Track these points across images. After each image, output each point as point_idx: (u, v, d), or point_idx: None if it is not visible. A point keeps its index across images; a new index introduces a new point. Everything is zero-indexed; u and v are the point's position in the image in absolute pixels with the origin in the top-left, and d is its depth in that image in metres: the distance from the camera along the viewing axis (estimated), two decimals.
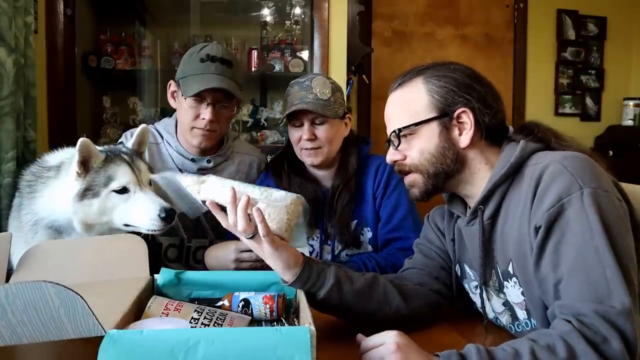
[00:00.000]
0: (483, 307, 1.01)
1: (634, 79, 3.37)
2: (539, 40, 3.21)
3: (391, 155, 1.01)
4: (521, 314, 0.93)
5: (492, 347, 0.75)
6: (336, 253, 1.41)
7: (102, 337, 0.61)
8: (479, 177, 0.96)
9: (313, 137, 1.35)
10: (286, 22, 2.71)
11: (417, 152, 0.97)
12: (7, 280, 0.94)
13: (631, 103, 3.24)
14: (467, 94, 0.95)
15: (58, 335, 0.64)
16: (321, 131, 1.36)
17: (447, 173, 0.96)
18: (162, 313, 0.83)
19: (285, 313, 0.91)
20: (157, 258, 1.43)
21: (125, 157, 1.15)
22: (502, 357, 0.72)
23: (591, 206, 0.78)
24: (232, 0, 2.80)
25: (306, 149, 1.37)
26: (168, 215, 1.10)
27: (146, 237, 1.05)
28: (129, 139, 1.47)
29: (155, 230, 1.11)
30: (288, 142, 1.46)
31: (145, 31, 2.67)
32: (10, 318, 0.62)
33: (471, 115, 0.94)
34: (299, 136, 1.37)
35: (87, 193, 1.10)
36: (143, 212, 1.11)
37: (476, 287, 1.01)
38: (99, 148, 1.15)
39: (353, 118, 2.41)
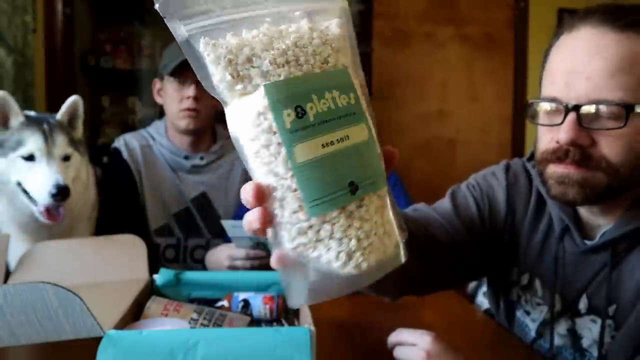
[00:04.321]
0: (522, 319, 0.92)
1: None
2: (540, 39, 3.21)
3: (574, 133, 0.69)
4: (593, 352, 0.80)
5: None
6: None
7: (101, 338, 0.61)
8: (627, 200, 0.75)
9: None
10: None
11: (625, 146, 0.68)
12: (5, 281, 0.93)
13: None
14: None
15: (57, 336, 0.64)
16: None
17: (631, 186, 0.72)
18: (162, 314, 0.82)
19: (285, 313, 0.90)
20: (155, 259, 1.44)
21: (45, 125, 1.12)
22: None
23: None
24: None
25: None
26: (58, 192, 1.06)
27: (144, 238, 1.05)
28: (122, 144, 1.50)
29: (47, 207, 1.08)
30: None
31: (144, 30, 2.67)
32: (9, 319, 0.62)
33: None
34: None
35: None
36: (38, 184, 1.08)
37: (538, 303, 0.88)
38: (30, 113, 1.15)
39: None
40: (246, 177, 1.67)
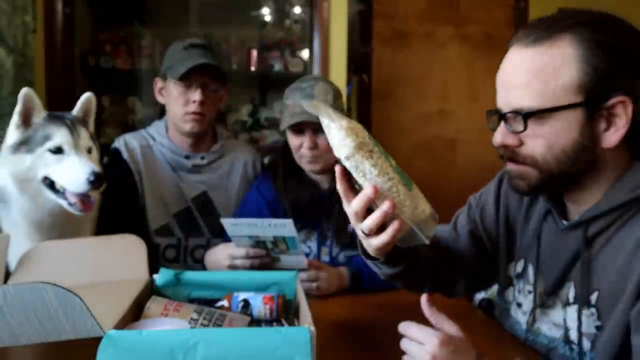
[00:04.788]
0: (513, 308, 0.95)
1: None
2: None
3: (502, 137, 0.80)
4: (576, 345, 0.82)
5: None
6: (334, 255, 1.40)
7: (101, 338, 0.61)
8: (599, 185, 0.79)
9: (314, 146, 1.35)
10: (286, 21, 2.70)
11: (544, 145, 0.76)
12: (5, 281, 0.93)
13: None
14: (637, 76, 0.72)
15: (57, 336, 0.64)
16: (323, 140, 1.34)
17: (572, 176, 0.78)
18: (162, 313, 0.82)
19: (285, 313, 0.90)
20: (155, 259, 1.43)
21: (67, 120, 1.15)
22: None
23: None
24: None
25: (306, 156, 1.36)
26: (96, 179, 1.10)
27: (144, 238, 1.05)
28: (122, 144, 1.49)
29: (81, 195, 1.11)
30: (285, 144, 1.45)
31: (144, 31, 2.66)
32: (9, 319, 0.62)
33: (629, 109, 0.71)
34: (300, 144, 1.36)
35: (21, 147, 1.11)
36: (73, 173, 1.10)
37: (529, 291, 0.91)
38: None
39: (353, 118, 2.41)
40: (246, 178, 1.66)
